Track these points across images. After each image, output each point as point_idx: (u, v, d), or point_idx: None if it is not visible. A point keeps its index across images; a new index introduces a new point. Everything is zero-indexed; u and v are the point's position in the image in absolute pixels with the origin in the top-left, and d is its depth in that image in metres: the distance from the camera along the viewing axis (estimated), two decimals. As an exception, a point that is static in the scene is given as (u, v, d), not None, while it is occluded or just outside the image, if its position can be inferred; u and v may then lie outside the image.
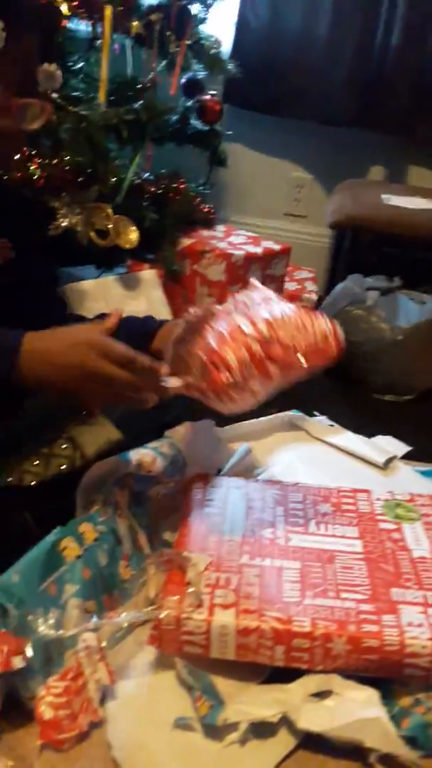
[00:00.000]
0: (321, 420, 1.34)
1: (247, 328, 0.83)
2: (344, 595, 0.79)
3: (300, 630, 0.74)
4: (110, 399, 0.83)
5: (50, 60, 0.83)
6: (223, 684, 0.76)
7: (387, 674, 0.74)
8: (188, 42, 1.55)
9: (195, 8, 1.57)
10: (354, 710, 0.71)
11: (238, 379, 0.80)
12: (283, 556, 0.86)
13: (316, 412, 1.39)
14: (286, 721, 0.73)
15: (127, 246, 1.40)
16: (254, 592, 0.79)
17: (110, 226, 1.38)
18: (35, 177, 1.32)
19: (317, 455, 1.23)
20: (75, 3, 1.32)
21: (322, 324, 0.87)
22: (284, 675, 0.76)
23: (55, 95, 1.35)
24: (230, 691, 0.75)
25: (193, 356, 0.82)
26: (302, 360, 0.83)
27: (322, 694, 0.73)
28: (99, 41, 1.51)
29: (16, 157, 1.31)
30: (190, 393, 0.83)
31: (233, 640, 0.75)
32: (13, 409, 0.90)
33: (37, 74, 0.81)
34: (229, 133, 1.86)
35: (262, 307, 0.88)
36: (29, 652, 0.69)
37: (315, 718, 0.70)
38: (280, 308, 0.88)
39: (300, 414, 1.33)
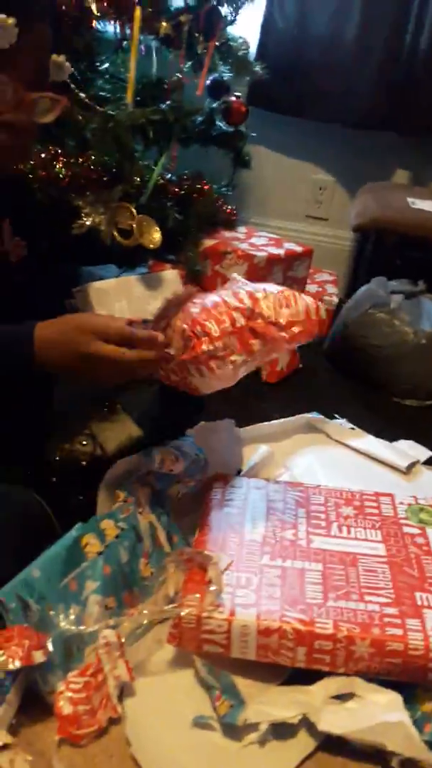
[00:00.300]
0: (341, 423, 1.33)
1: (230, 299, 0.82)
2: (367, 598, 0.78)
3: (322, 632, 0.74)
4: (121, 377, 0.82)
5: (58, 51, 0.83)
6: (242, 684, 0.76)
7: (410, 678, 0.73)
8: (216, 43, 1.55)
9: (224, 10, 1.56)
10: (376, 714, 0.70)
11: (219, 348, 0.79)
12: (305, 558, 0.85)
13: (336, 415, 1.38)
14: (306, 723, 0.72)
15: (151, 246, 1.40)
16: (276, 593, 0.79)
17: (134, 225, 1.38)
18: (61, 176, 1.32)
19: (337, 458, 1.22)
20: (104, 3, 1.32)
21: (306, 301, 0.86)
22: (304, 676, 0.76)
23: (82, 95, 1.36)
24: (250, 692, 0.75)
25: (174, 329, 0.80)
26: (283, 333, 0.83)
27: (343, 697, 0.73)
28: (126, 42, 1.51)
29: (41, 154, 1.32)
30: (171, 374, 0.82)
31: (254, 640, 0.75)
32: (43, 395, 0.92)
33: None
34: (254, 134, 1.85)
35: (246, 286, 0.88)
36: (50, 646, 0.69)
37: (336, 721, 0.70)
38: (263, 286, 0.88)
39: (320, 416, 1.33)
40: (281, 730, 0.72)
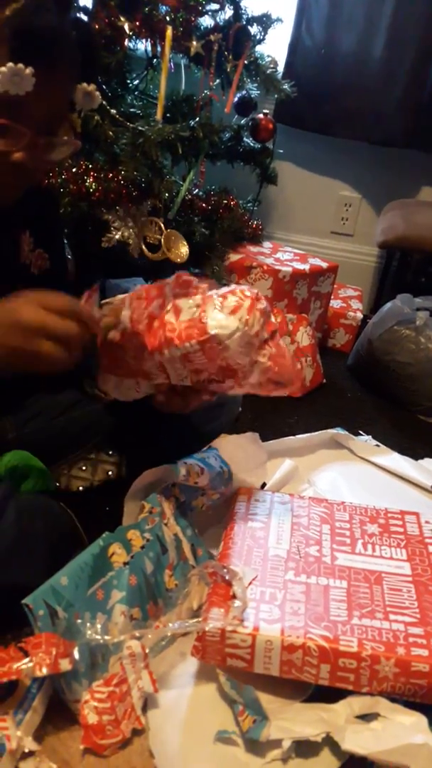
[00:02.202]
0: (366, 440, 1.33)
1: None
2: (392, 617, 0.78)
3: (347, 650, 0.73)
4: (59, 359, 0.72)
5: (90, 80, 0.84)
6: (265, 700, 0.75)
7: (435, 700, 0.72)
8: (245, 62, 1.57)
9: (253, 29, 1.59)
10: (401, 735, 0.69)
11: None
12: (329, 575, 0.85)
13: (361, 432, 1.38)
14: (329, 742, 0.72)
15: (178, 260, 1.42)
16: (300, 609, 0.79)
17: (162, 240, 1.40)
18: (91, 190, 1.35)
19: (362, 475, 1.22)
20: (137, 23, 1.35)
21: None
22: (327, 694, 0.75)
23: (113, 111, 1.39)
24: (272, 708, 0.75)
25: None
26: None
27: (367, 717, 0.72)
28: (156, 60, 1.54)
29: (72, 169, 1.34)
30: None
31: (278, 655, 0.74)
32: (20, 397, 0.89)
33: (75, 95, 0.81)
34: (281, 151, 1.87)
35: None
36: (76, 655, 0.70)
37: (360, 741, 0.69)
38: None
39: (344, 432, 1.33)
40: (304, 748, 0.71)
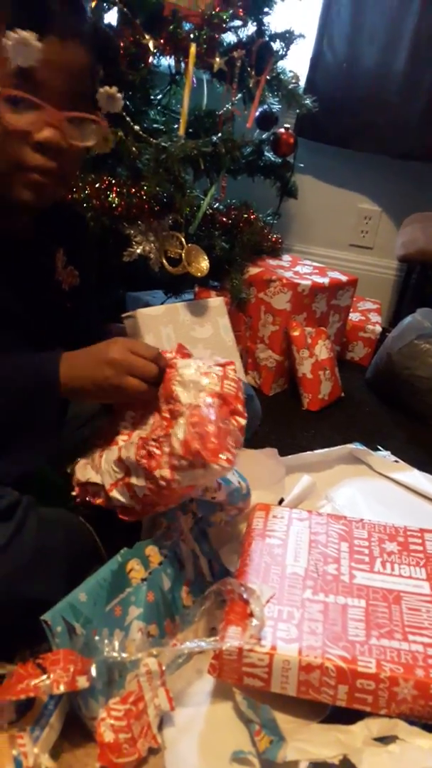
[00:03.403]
0: (385, 455, 1.32)
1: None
2: (411, 637, 0.77)
3: (365, 671, 0.73)
4: (137, 391, 0.84)
5: (111, 82, 0.85)
6: (281, 720, 0.75)
7: (454, 725, 0.72)
8: (267, 77, 1.59)
9: (275, 45, 1.60)
10: (419, 759, 0.68)
11: None
12: (347, 594, 0.85)
13: (380, 447, 1.37)
14: (346, 764, 0.71)
15: (198, 275, 1.42)
16: (318, 629, 0.78)
17: (183, 254, 1.41)
18: (114, 205, 1.36)
19: (381, 492, 1.21)
20: (161, 40, 1.37)
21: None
22: (344, 715, 0.75)
23: (136, 127, 1.40)
24: (289, 728, 0.74)
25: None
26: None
27: (385, 739, 0.71)
28: (179, 76, 1.56)
29: (95, 184, 1.36)
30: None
31: (295, 675, 0.74)
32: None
33: (98, 96, 0.83)
34: (301, 165, 1.88)
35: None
36: (93, 672, 0.70)
37: (378, 763, 0.69)
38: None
39: (363, 447, 1.32)
40: (321, 770, 0.71)
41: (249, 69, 1.56)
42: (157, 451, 0.80)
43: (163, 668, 0.75)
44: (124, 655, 0.73)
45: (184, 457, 0.77)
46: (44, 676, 0.66)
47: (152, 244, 1.41)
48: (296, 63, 1.82)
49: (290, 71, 1.70)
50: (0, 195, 0.79)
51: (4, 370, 0.80)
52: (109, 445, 0.89)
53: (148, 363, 0.82)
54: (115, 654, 0.72)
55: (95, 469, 0.89)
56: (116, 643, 0.73)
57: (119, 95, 0.84)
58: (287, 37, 1.64)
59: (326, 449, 1.29)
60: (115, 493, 0.85)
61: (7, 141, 0.74)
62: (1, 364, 0.80)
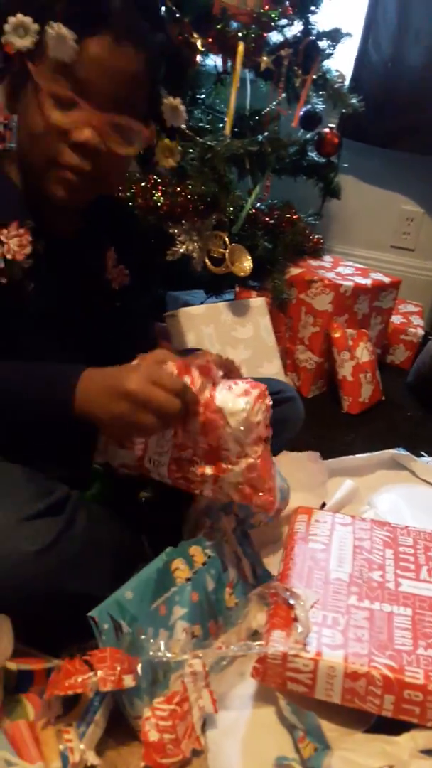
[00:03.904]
0: (429, 461, 1.30)
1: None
2: (461, 650, 0.75)
3: (413, 681, 0.71)
4: (153, 429, 0.75)
5: (177, 94, 0.83)
6: (324, 727, 0.74)
7: None
8: (313, 76, 1.57)
9: (322, 44, 1.59)
10: (469, 775, 0.67)
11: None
12: (393, 602, 0.83)
13: (423, 453, 1.34)
14: (392, 776, 0.70)
15: (241, 274, 1.42)
16: (364, 636, 0.77)
17: (226, 254, 1.41)
18: (159, 204, 1.37)
19: (424, 499, 1.19)
20: (209, 39, 1.37)
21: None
22: (388, 725, 0.73)
23: (182, 126, 1.40)
24: (332, 736, 0.73)
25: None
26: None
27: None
28: (225, 75, 1.56)
29: (141, 183, 1.36)
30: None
31: (341, 683, 0.73)
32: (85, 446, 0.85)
33: (162, 107, 0.81)
34: (345, 165, 1.86)
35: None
36: (139, 671, 0.70)
37: (426, 777, 0.67)
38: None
39: (406, 453, 1.30)
40: (366, 781, 0.69)
41: (296, 68, 1.54)
42: (196, 476, 0.80)
43: (207, 670, 0.75)
44: (169, 655, 0.72)
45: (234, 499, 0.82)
46: (91, 673, 0.66)
47: (195, 244, 1.41)
48: (340, 63, 1.80)
49: (336, 70, 1.68)
50: (38, 190, 0.79)
51: (17, 377, 0.75)
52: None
53: (170, 398, 0.71)
54: (160, 654, 0.72)
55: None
56: (161, 643, 0.73)
57: (182, 108, 0.82)
58: (334, 36, 1.62)
59: (368, 454, 1.27)
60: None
61: (47, 136, 0.74)
62: (16, 369, 0.76)
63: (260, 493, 0.81)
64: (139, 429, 0.74)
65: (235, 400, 0.78)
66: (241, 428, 0.78)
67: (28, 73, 0.72)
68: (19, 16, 0.69)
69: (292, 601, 0.80)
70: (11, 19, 0.70)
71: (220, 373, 0.83)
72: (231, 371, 0.87)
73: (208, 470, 0.79)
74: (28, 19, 0.70)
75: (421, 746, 0.71)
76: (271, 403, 0.82)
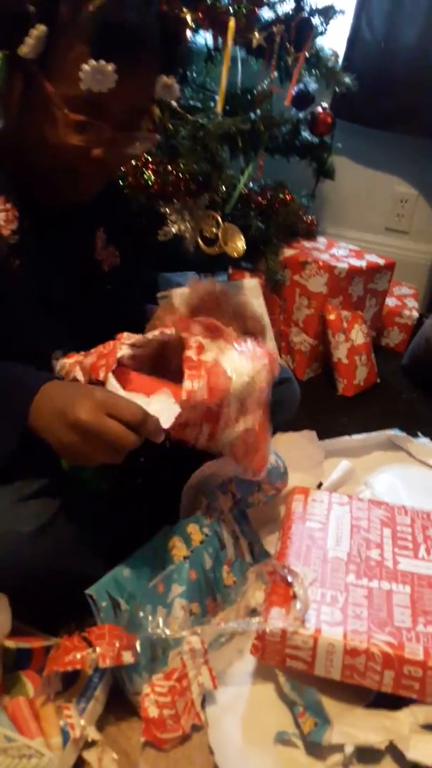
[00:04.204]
0: (425, 442, 1.30)
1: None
2: (460, 625, 0.75)
3: (412, 657, 0.71)
4: (105, 462, 0.68)
5: (170, 72, 0.82)
6: (325, 704, 0.74)
7: None
8: (306, 54, 1.55)
9: (315, 20, 1.56)
10: (469, 748, 0.67)
11: None
12: (391, 579, 0.83)
13: (419, 433, 1.34)
14: (391, 750, 0.70)
15: (234, 254, 1.40)
16: (362, 613, 0.77)
17: (219, 234, 1.39)
18: (150, 183, 1.34)
19: (420, 479, 1.19)
20: (200, 14, 1.34)
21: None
22: (387, 700, 0.74)
23: (173, 104, 1.38)
24: (332, 712, 0.73)
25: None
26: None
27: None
28: (216, 52, 1.53)
29: (131, 162, 1.34)
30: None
31: (340, 659, 0.73)
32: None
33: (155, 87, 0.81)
34: (339, 145, 1.84)
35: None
36: (138, 648, 0.70)
37: (426, 750, 0.67)
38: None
39: (402, 434, 1.30)
40: (366, 755, 0.70)
41: (288, 45, 1.52)
42: (192, 433, 0.78)
43: (206, 647, 0.74)
44: (167, 632, 0.72)
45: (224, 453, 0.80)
46: (90, 650, 0.65)
47: (188, 223, 1.39)
48: (333, 41, 1.78)
49: (329, 48, 1.66)
50: (43, 181, 0.78)
51: None
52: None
53: (124, 432, 0.65)
54: (159, 631, 0.72)
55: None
56: (160, 620, 0.73)
57: (176, 85, 0.82)
58: (327, 13, 1.59)
59: (364, 434, 1.27)
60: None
61: (64, 152, 0.74)
62: None
63: (253, 458, 0.80)
64: (90, 460, 0.67)
65: (243, 362, 0.78)
66: (247, 389, 0.77)
67: (34, 78, 0.71)
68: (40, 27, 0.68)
69: (290, 579, 0.79)
70: (33, 32, 0.67)
71: (233, 334, 0.82)
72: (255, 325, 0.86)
73: (205, 429, 0.78)
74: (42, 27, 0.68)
75: (421, 721, 0.71)
76: (277, 370, 0.82)
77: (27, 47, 0.67)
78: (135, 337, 0.80)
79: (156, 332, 0.81)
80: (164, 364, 0.83)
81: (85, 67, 0.67)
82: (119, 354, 0.77)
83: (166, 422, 0.70)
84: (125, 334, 0.81)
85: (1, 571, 0.68)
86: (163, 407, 0.72)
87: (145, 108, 0.78)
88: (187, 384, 0.73)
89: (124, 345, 0.78)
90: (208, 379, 0.75)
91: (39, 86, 0.70)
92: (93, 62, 0.67)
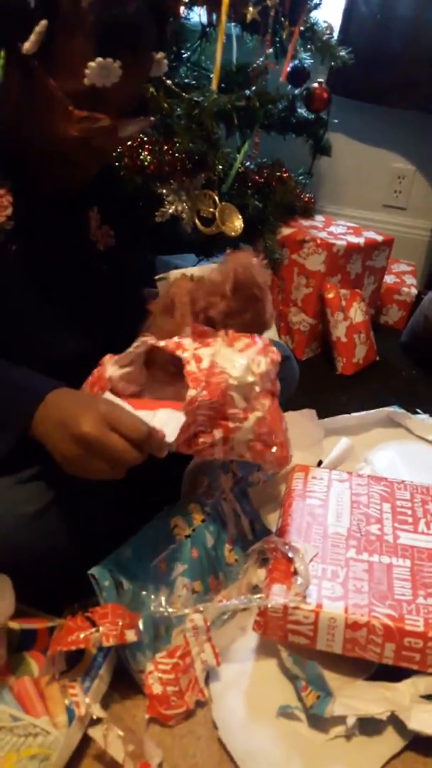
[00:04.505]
0: (424, 419, 1.30)
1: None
2: (460, 597, 0.76)
3: (413, 629, 0.72)
4: (106, 477, 0.67)
5: (160, 48, 0.81)
6: (327, 677, 0.75)
7: None
8: (300, 28, 1.52)
9: (309, -7, 1.54)
10: (469, 717, 0.68)
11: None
12: (392, 553, 0.84)
13: (418, 410, 1.34)
14: (393, 721, 0.71)
15: (232, 234, 1.39)
16: (363, 587, 0.78)
17: (216, 213, 1.38)
18: (146, 163, 1.33)
19: (420, 454, 1.19)
20: (193, -10, 1.32)
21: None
22: (388, 673, 0.74)
23: (168, 82, 1.36)
24: (334, 685, 0.74)
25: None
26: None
27: (432, 697, 0.71)
28: (211, 29, 1.51)
29: (127, 142, 1.33)
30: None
31: (341, 633, 0.74)
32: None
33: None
34: (335, 121, 1.82)
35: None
36: (141, 626, 0.70)
37: (427, 720, 0.68)
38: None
39: (401, 411, 1.30)
40: (368, 726, 0.71)
41: (282, 19, 1.49)
42: (206, 444, 0.78)
43: (209, 624, 0.75)
44: (170, 610, 0.73)
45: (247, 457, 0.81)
46: (93, 629, 0.66)
47: (184, 203, 1.37)
48: (328, 14, 1.75)
49: (324, 21, 1.63)
50: (39, 169, 0.77)
51: None
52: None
53: (127, 449, 0.64)
54: (161, 609, 0.72)
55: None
56: (162, 599, 0.74)
57: (165, 60, 0.81)
58: (322, -15, 1.57)
59: (364, 412, 1.27)
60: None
61: (64, 143, 0.73)
62: None
63: (273, 449, 0.80)
64: (91, 474, 0.66)
65: (237, 357, 0.78)
66: (248, 380, 0.77)
67: (34, 73, 0.69)
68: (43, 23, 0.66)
69: (291, 555, 0.80)
70: (36, 28, 0.65)
71: (221, 332, 0.82)
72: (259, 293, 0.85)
73: (217, 434, 0.78)
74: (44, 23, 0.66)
75: (422, 691, 0.72)
76: (278, 356, 0.81)
77: (30, 44, 0.66)
78: (117, 357, 0.80)
79: (137, 343, 0.80)
80: (156, 366, 0.84)
81: (92, 64, 0.66)
82: (108, 375, 0.77)
83: (172, 433, 0.70)
84: (107, 356, 0.80)
85: (3, 553, 0.68)
86: (169, 417, 0.72)
87: (142, 90, 0.78)
88: (192, 393, 0.74)
89: (110, 366, 0.78)
90: (207, 380, 0.76)
91: (39, 80, 0.69)
92: (99, 59, 0.66)
